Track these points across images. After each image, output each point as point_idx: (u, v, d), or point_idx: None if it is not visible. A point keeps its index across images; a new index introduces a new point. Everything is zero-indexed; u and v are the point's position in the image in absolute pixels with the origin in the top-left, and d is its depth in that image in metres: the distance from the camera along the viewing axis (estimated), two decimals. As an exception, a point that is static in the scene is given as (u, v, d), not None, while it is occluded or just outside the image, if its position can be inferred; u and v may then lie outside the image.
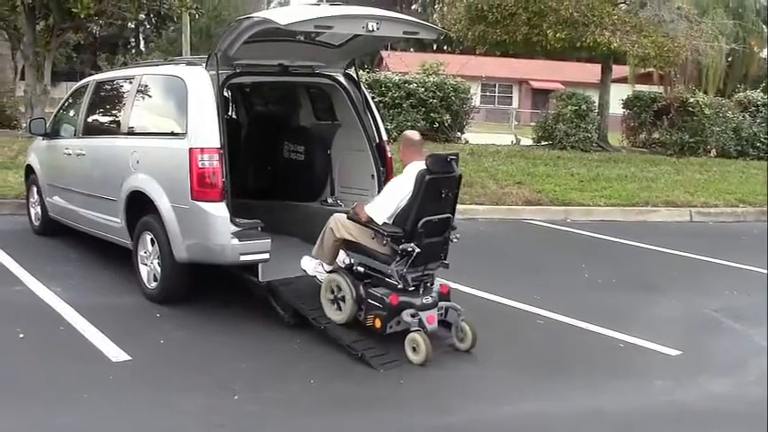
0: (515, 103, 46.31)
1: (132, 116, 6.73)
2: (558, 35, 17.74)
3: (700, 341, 6.03)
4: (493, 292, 6.89)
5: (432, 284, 5.48)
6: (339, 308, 5.42)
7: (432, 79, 18.44)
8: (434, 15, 23.42)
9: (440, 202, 5.33)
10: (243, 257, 5.63)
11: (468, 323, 5.39)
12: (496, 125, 34.36)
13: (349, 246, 5.53)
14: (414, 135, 5.80)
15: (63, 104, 8.40)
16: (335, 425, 4.32)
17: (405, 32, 5.87)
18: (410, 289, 5.26)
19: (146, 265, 6.26)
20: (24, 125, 14.81)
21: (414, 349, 5.11)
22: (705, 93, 24.43)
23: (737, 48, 31.42)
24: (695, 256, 9.07)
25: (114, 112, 7.26)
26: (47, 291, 6.30)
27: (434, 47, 46.42)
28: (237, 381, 4.74)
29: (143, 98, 6.75)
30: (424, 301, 5.31)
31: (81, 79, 8.91)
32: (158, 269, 6.09)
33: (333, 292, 5.47)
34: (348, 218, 5.51)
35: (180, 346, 5.36)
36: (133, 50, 47.76)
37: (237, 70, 6.04)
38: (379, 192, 6.00)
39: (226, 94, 6.87)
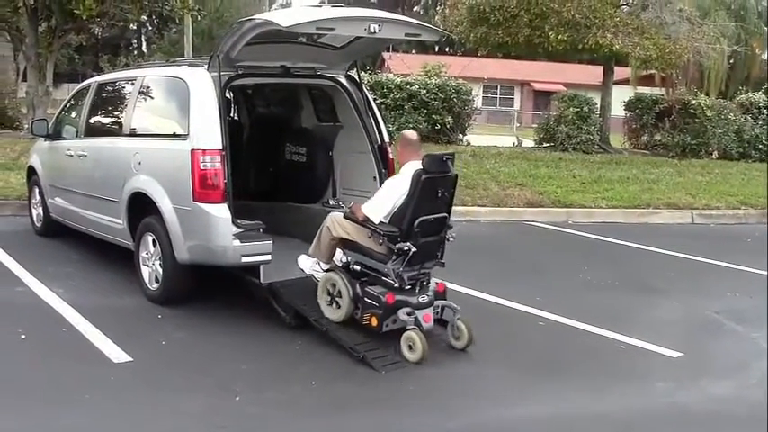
0: (517, 105, 46.32)
1: (134, 118, 6.74)
2: (559, 37, 17.73)
3: (701, 343, 6.02)
4: (494, 294, 6.89)
5: (428, 283, 5.51)
6: (336, 306, 5.45)
7: (433, 81, 18.45)
8: (436, 17, 23.48)
9: (436, 202, 5.36)
10: (244, 259, 5.63)
11: (464, 322, 5.42)
12: (498, 127, 34.38)
13: (346, 244, 5.56)
14: (411, 135, 5.82)
15: (65, 106, 8.40)
16: (337, 426, 4.32)
17: (406, 34, 5.87)
18: (406, 288, 5.29)
19: (147, 266, 6.27)
20: (26, 126, 14.84)
21: (410, 347, 5.13)
22: (707, 95, 24.41)
23: (739, 50, 31.42)
24: (697, 258, 9.07)
25: (116, 113, 7.27)
26: (48, 292, 6.31)
27: (436, 48, 46.41)
28: (239, 382, 4.75)
29: (145, 100, 6.76)
30: (420, 299, 5.34)
31: (83, 81, 8.93)
32: (160, 270, 6.10)
33: (329, 290, 5.50)
34: (345, 217, 5.54)
35: (181, 347, 5.37)
36: (135, 52, 47.89)
37: (239, 72, 6.05)
38: None
39: (228, 95, 6.87)
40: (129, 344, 5.19)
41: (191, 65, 6.41)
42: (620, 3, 19.71)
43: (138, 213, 6.31)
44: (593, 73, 27.54)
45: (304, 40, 6.20)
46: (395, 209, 5.35)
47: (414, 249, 5.17)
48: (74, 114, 7.96)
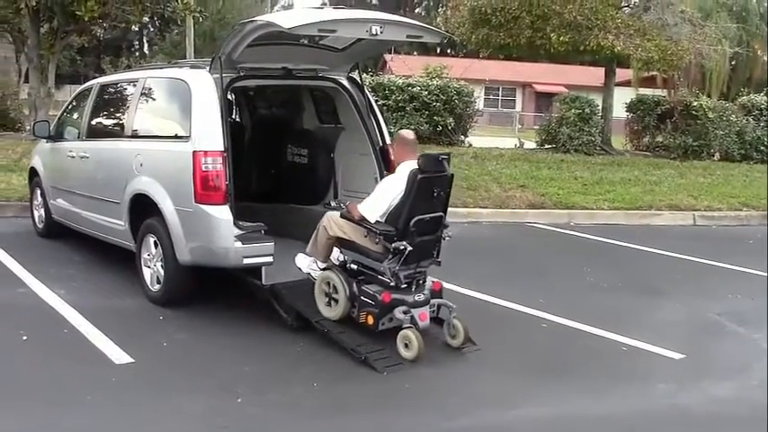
0: (519, 107, 46.33)
1: (136, 119, 6.75)
2: (561, 38, 17.72)
3: (703, 345, 6.02)
4: (497, 296, 6.88)
5: (424, 282, 5.54)
6: (332, 304, 5.47)
7: (435, 82, 18.45)
8: (438, 19, 23.50)
9: (432, 201, 5.39)
10: (246, 260, 5.64)
11: (460, 320, 5.44)
12: (500, 128, 34.40)
13: (342, 243, 5.59)
14: (408, 134, 5.85)
15: (67, 107, 8.42)
16: (339, 427, 4.32)
17: (408, 36, 5.88)
18: (402, 286, 5.32)
19: (149, 267, 6.27)
20: (28, 128, 14.84)
21: (406, 346, 5.15)
22: (709, 96, 24.38)
23: (741, 51, 31.37)
24: (699, 260, 9.07)
25: (118, 114, 7.28)
26: (50, 293, 6.31)
27: (438, 50, 46.43)
28: (240, 383, 4.75)
29: (147, 101, 6.76)
30: (417, 298, 5.37)
31: (85, 82, 8.92)
32: (161, 272, 6.10)
33: (326, 289, 5.51)
34: (341, 216, 5.56)
35: (183, 349, 5.37)
36: (137, 53, 47.90)
37: (241, 73, 6.05)
38: None
39: (229, 97, 6.88)
40: (130, 345, 5.20)
41: (192, 66, 6.42)
42: (622, 4, 19.71)
43: (139, 215, 6.32)
44: (595, 74, 27.54)
45: (306, 41, 6.21)
46: (391, 208, 5.39)
47: (410, 248, 5.21)
48: (75, 116, 7.96)
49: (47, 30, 16.54)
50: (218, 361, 5.13)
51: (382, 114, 7.04)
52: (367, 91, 6.84)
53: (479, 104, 24.97)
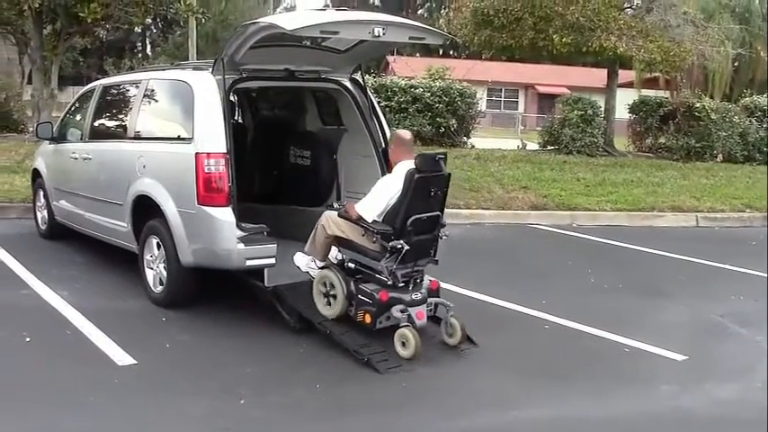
0: (521, 108, 46.34)
1: (139, 121, 6.75)
2: (564, 40, 17.73)
3: (706, 346, 6.01)
4: (499, 297, 6.88)
5: (421, 281, 5.56)
6: (330, 303, 5.49)
7: (438, 84, 18.48)
8: (440, 20, 23.49)
9: (429, 201, 5.41)
10: (249, 262, 5.64)
11: (457, 318, 5.46)
12: (502, 130, 34.40)
13: (340, 242, 5.61)
14: (405, 134, 5.88)
15: (70, 109, 8.43)
16: (341, 429, 4.33)
17: (411, 38, 5.89)
18: (400, 285, 5.34)
19: (152, 269, 6.27)
20: (31, 129, 14.87)
21: (403, 344, 5.18)
22: (711, 97, 24.37)
23: (744, 52, 31.34)
24: (701, 261, 9.05)
25: (121, 116, 7.28)
26: (53, 294, 6.32)
27: (440, 51, 46.42)
28: (243, 385, 4.75)
29: (149, 103, 6.77)
30: (414, 297, 5.39)
31: (88, 83, 8.94)
32: (164, 273, 6.10)
33: (324, 287, 5.54)
34: (339, 215, 5.58)
35: (185, 350, 5.37)
36: (140, 55, 48.00)
37: (244, 75, 6.06)
38: None
39: (232, 98, 6.88)
40: (133, 347, 5.20)
41: (195, 68, 6.43)
42: (625, 5, 19.70)
43: (142, 216, 6.32)
44: (598, 76, 27.48)
45: (308, 43, 6.20)
46: (388, 207, 5.42)
47: (407, 247, 5.23)
48: (78, 117, 7.98)
49: (50, 31, 16.56)
50: (220, 362, 5.13)
51: (385, 116, 7.04)
52: (369, 92, 6.84)
53: (482, 106, 25.00)
